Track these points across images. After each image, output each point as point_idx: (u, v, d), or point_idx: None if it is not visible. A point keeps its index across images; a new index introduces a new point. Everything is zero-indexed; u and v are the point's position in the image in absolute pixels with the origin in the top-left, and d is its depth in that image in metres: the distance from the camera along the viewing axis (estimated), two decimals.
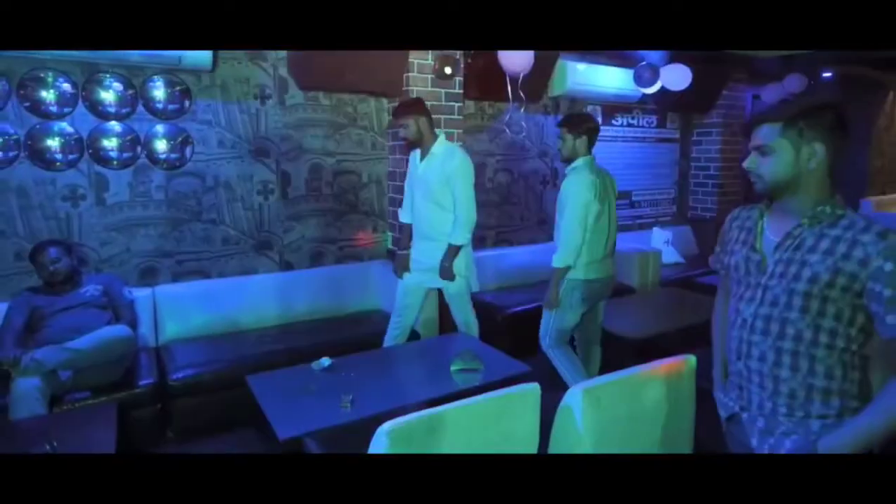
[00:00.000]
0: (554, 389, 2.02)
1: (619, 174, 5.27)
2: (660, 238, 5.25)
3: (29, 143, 2.82)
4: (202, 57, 2.98)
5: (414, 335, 3.47)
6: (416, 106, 2.86)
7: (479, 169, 4.32)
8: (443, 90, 3.66)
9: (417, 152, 2.99)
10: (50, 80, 2.82)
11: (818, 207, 1.26)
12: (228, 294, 3.37)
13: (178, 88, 3.14)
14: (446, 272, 2.89)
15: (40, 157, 2.86)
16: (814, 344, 1.25)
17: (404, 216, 3.17)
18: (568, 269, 2.77)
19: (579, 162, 2.82)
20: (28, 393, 2.27)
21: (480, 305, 4.03)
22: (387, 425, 1.48)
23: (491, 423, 1.69)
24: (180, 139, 3.19)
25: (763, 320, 1.32)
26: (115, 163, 3.04)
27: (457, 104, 3.74)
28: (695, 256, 5.50)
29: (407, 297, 3.08)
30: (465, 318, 3.15)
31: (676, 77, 4.36)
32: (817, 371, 1.26)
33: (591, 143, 2.84)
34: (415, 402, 2.38)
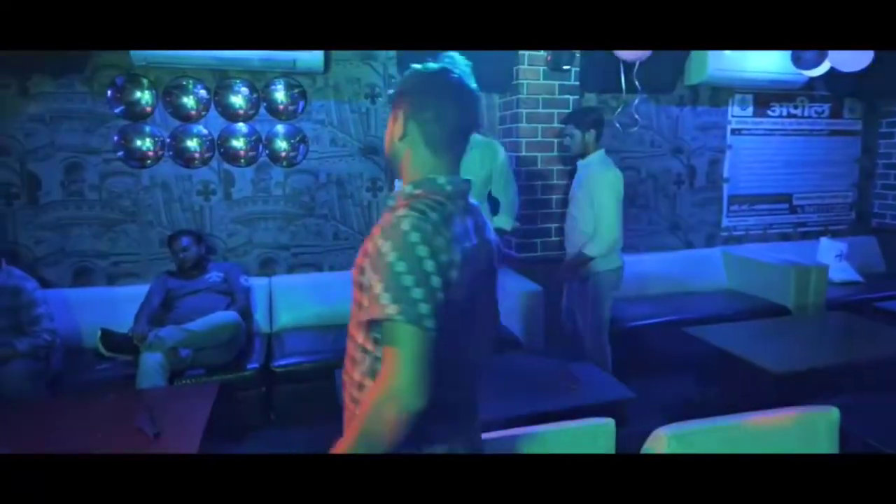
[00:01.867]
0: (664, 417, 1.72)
1: (776, 173, 4.54)
2: (829, 250, 4.37)
3: (172, 143, 3.19)
4: (315, 59, 3.12)
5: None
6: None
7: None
8: (556, 83, 3.42)
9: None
10: (190, 87, 3.16)
11: None
12: (338, 287, 3.49)
13: (295, 90, 3.33)
14: None
15: (181, 156, 3.22)
16: None
17: None
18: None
19: (597, 156, 2.84)
20: (151, 366, 2.53)
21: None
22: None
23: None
24: (297, 138, 3.39)
25: None
26: (241, 161, 3.32)
27: (572, 97, 3.48)
28: (878, 275, 4.49)
29: None
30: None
31: (851, 55, 3.58)
32: None
33: (599, 137, 2.84)
34: (490, 419, 2.21)
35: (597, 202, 2.73)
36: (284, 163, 3.39)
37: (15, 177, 2.98)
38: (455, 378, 1.00)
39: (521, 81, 3.38)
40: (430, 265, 0.90)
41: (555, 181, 3.54)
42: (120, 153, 3.11)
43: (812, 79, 4.06)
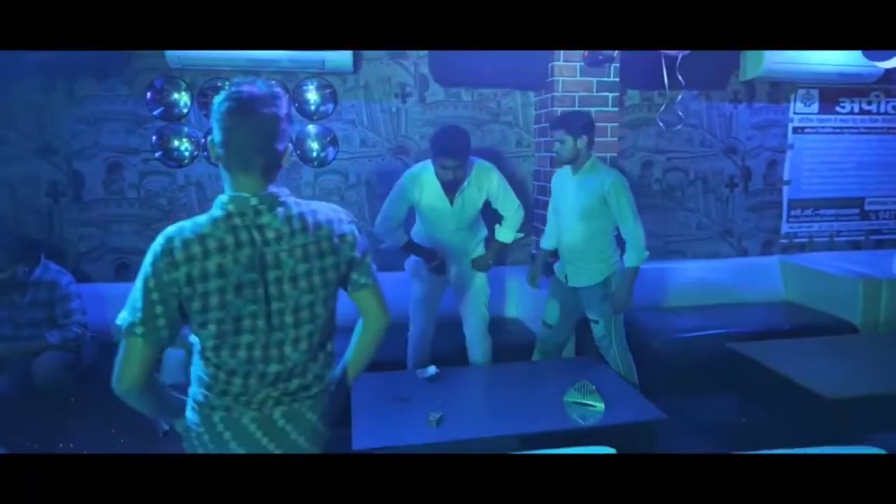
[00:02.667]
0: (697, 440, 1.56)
1: (846, 175, 4.15)
2: None
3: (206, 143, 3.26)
4: (344, 59, 3.10)
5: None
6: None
7: (646, 168, 3.78)
8: (594, 79, 3.25)
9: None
10: (224, 88, 3.21)
11: None
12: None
13: (327, 91, 3.33)
14: None
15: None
16: None
17: None
18: None
19: (591, 163, 2.63)
20: (174, 363, 2.57)
21: (632, 326, 3.50)
22: None
23: None
24: (328, 139, 3.39)
25: None
26: None
27: (611, 94, 3.29)
28: None
29: None
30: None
31: None
32: None
33: (591, 143, 2.63)
34: (508, 435, 2.10)
35: (620, 212, 2.58)
36: (315, 163, 3.40)
37: (62, 175, 3.14)
38: (244, 362, 1.19)
39: (556, 79, 3.23)
40: (151, 283, 1.11)
41: None
42: (158, 153, 3.21)
43: (888, 71, 3.66)
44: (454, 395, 2.42)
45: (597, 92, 3.27)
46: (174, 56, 2.93)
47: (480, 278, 2.82)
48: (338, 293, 1.30)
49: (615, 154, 3.38)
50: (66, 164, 3.13)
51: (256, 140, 1.15)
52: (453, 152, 2.40)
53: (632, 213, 2.59)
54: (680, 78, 2.77)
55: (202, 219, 1.16)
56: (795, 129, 4.02)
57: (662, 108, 3.53)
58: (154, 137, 3.18)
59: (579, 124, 2.55)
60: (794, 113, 4.00)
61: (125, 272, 3.27)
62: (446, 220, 2.64)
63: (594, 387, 2.28)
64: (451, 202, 2.56)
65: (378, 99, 3.41)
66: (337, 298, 1.30)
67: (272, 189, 1.19)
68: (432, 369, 2.54)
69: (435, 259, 2.66)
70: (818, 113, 4.03)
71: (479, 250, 2.83)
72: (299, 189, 3.41)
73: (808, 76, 3.77)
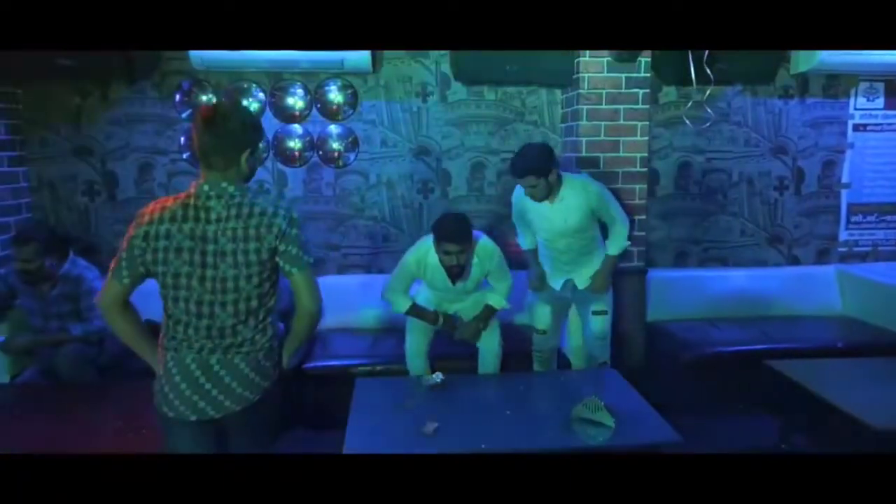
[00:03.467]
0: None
1: None
2: None
3: None
4: (362, 58, 3.07)
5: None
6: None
7: (683, 169, 3.55)
8: (623, 75, 3.07)
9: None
10: (249, 89, 3.27)
11: None
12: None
13: (349, 91, 3.32)
14: None
15: None
16: None
17: None
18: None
19: (566, 186, 2.59)
20: None
21: (663, 337, 3.29)
22: None
23: None
24: (350, 139, 3.38)
25: None
26: (297, 162, 3.38)
27: (641, 91, 3.10)
28: None
29: None
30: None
31: None
32: None
33: (558, 169, 2.59)
34: (506, 451, 1.99)
35: (608, 217, 2.66)
36: (338, 163, 3.39)
37: (97, 175, 3.29)
38: (183, 312, 1.50)
39: (581, 75, 3.07)
40: (132, 242, 1.48)
41: (619, 185, 3.18)
42: (186, 154, 3.30)
43: None
44: (457, 405, 2.33)
45: (626, 88, 3.09)
46: (198, 58, 2.99)
47: (491, 332, 2.74)
48: (271, 275, 1.54)
49: (645, 154, 3.18)
50: (101, 165, 3.28)
51: (215, 145, 1.48)
52: (457, 238, 2.41)
53: (619, 213, 2.68)
54: (709, 72, 2.57)
55: (171, 197, 1.53)
56: (856, 127, 3.66)
57: (689, 104, 3.30)
58: (182, 138, 3.28)
59: (545, 165, 2.48)
60: (855, 109, 3.64)
61: None
62: (451, 292, 2.67)
63: (603, 402, 2.13)
64: (454, 283, 2.57)
65: (399, 98, 3.37)
66: (268, 279, 1.53)
67: (224, 183, 1.49)
68: (437, 376, 2.47)
69: (437, 322, 2.69)
70: (884, 108, 3.65)
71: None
72: (320, 189, 3.42)
73: (871, 67, 3.42)
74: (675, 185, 3.61)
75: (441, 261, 2.48)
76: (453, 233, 2.42)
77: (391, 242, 3.50)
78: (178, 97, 3.24)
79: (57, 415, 2.19)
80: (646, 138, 3.17)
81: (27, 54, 2.70)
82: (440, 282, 2.58)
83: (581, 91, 3.09)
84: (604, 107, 3.11)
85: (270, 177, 3.39)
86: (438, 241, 2.45)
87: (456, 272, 2.49)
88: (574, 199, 2.56)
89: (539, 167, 2.47)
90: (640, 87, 3.10)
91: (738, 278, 3.64)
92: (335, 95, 3.32)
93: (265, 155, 3.32)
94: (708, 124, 3.36)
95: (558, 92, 3.43)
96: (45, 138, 3.23)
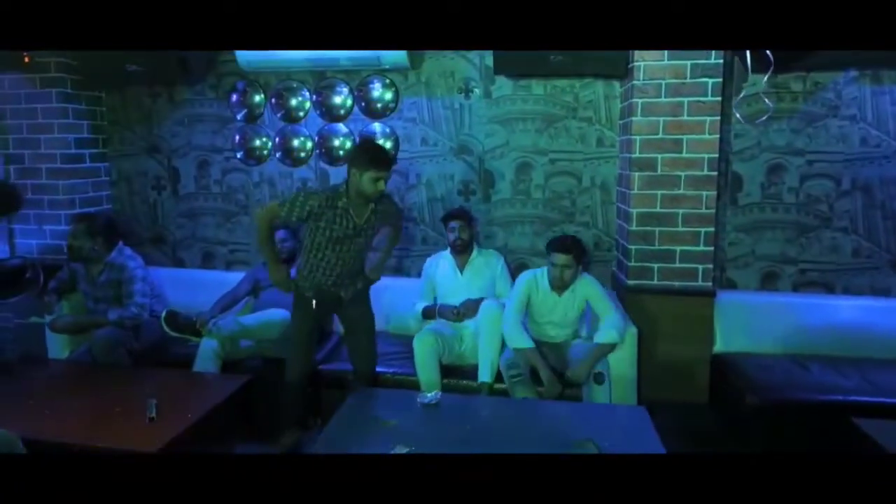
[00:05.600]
0: None
1: None
2: None
3: (281, 143, 3.40)
4: (399, 56, 2.97)
5: None
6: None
7: (774, 173, 2.99)
8: (688, 62, 2.63)
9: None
10: (295, 88, 3.32)
11: None
12: (411, 295, 3.29)
13: (391, 88, 3.23)
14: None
15: (288, 155, 3.41)
16: None
17: None
18: None
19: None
20: (205, 352, 2.72)
21: (732, 373, 2.76)
22: None
23: None
24: (388, 138, 3.29)
25: None
26: (339, 160, 3.36)
27: (711, 80, 2.63)
28: None
29: None
30: None
31: None
32: None
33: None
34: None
35: (602, 311, 2.63)
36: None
37: (163, 171, 3.55)
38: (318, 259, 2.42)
39: (637, 63, 2.68)
40: (298, 197, 2.36)
41: (682, 190, 2.74)
42: (239, 153, 3.43)
43: None
44: (443, 428, 2.13)
45: (691, 78, 2.64)
46: (243, 59, 3.09)
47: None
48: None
49: (715, 155, 2.70)
50: (167, 162, 3.53)
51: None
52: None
53: (612, 305, 2.65)
54: (769, 55, 2.08)
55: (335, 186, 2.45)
56: None
57: (741, 95, 2.73)
58: (237, 137, 3.42)
59: (581, 251, 2.64)
60: None
61: (210, 260, 3.59)
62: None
63: (597, 447, 1.80)
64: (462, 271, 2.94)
65: (440, 95, 3.20)
66: None
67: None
68: (435, 395, 2.28)
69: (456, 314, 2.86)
70: None
71: None
72: None
73: None
74: (764, 193, 3.03)
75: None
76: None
77: (429, 246, 3.35)
78: (234, 97, 3.39)
79: (78, 393, 2.37)
80: (716, 136, 2.68)
81: (109, 61, 3.01)
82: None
83: (636, 82, 2.70)
84: (663, 100, 2.68)
85: (314, 175, 3.41)
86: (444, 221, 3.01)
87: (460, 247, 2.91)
88: (581, 291, 2.66)
89: (581, 252, 2.64)
90: (710, 76, 2.63)
91: (845, 309, 2.95)
92: (377, 93, 3.25)
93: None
94: (764, 118, 2.76)
95: (617, 84, 3.04)
96: (123, 137, 3.55)
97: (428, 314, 2.95)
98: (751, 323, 2.99)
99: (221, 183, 3.50)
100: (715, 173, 2.73)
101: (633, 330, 2.58)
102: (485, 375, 2.59)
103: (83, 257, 2.85)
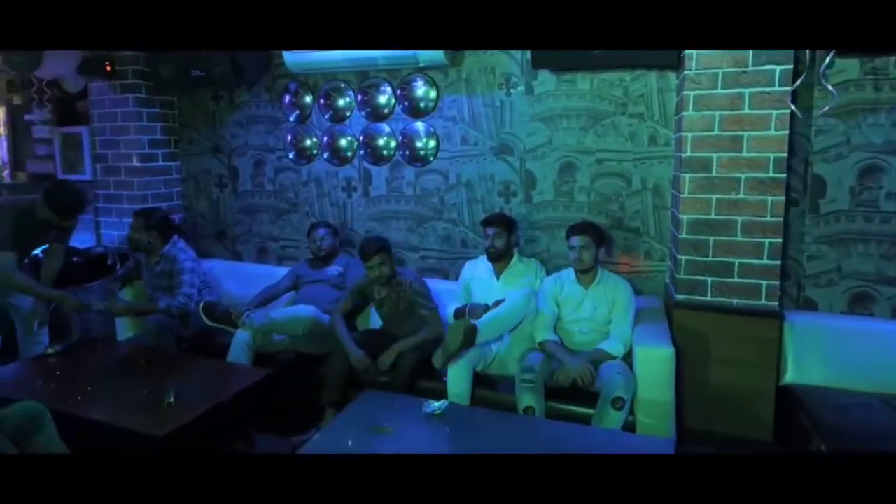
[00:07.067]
0: None
1: None
2: None
3: (328, 142, 3.46)
4: (435, 53, 2.89)
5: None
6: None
7: (866, 176, 2.56)
8: (750, 49, 2.28)
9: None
10: (343, 89, 3.36)
11: None
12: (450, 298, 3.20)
13: (430, 87, 3.16)
14: None
15: (335, 155, 3.46)
16: None
17: None
18: None
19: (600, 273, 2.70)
20: (238, 344, 2.83)
21: (802, 408, 2.37)
22: None
23: None
24: (431, 137, 3.22)
25: None
26: (382, 160, 3.36)
27: (779, 67, 2.27)
28: None
29: None
30: None
31: None
32: None
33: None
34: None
35: (625, 318, 2.56)
36: (431, 159, 3.24)
37: (225, 170, 3.76)
38: None
39: (689, 51, 2.38)
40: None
41: (740, 195, 2.39)
42: (291, 153, 3.55)
43: None
44: (440, 440, 2.02)
45: (753, 66, 2.29)
46: (290, 60, 3.18)
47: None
48: None
49: (783, 154, 2.32)
50: (228, 161, 3.74)
51: None
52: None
53: (631, 321, 2.56)
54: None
55: None
56: None
57: (799, 81, 2.27)
58: (289, 137, 3.53)
59: (599, 233, 2.66)
60: None
61: (264, 255, 3.75)
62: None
63: None
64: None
65: (480, 92, 3.07)
66: None
67: None
68: (441, 404, 2.18)
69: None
70: None
71: None
72: (401, 188, 3.34)
73: None
74: (854, 199, 2.56)
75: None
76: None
77: (469, 248, 3.24)
78: (286, 99, 3.50)
79: (118, 373, 2.57)
80: (784, 132, 2.31)
81: (176, 67, 3.27)
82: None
83: (687, 72, 2.39)
84: (719, 91, 2.36)
85: (357, 174, 3.43)
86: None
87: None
88: (607, 289, 2.60)
89: (600, 234, 2.66)
90: (778, 63, 2.26)
91: None
92: (420, 91, 3.20)
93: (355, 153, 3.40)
94: (826, 109, 2.30)
95: (672, 76, 2.73)
96: (191, 138, 3.82)
97: (458, 314, 2.85)
98: (832, 352, 2.55)
99: (274, 181, 3.64)
100: (783, 175, 2.35)
101: (669, 350, 2.29)
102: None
103: (141, 248, 3.09)
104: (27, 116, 4.02)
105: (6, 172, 4.20)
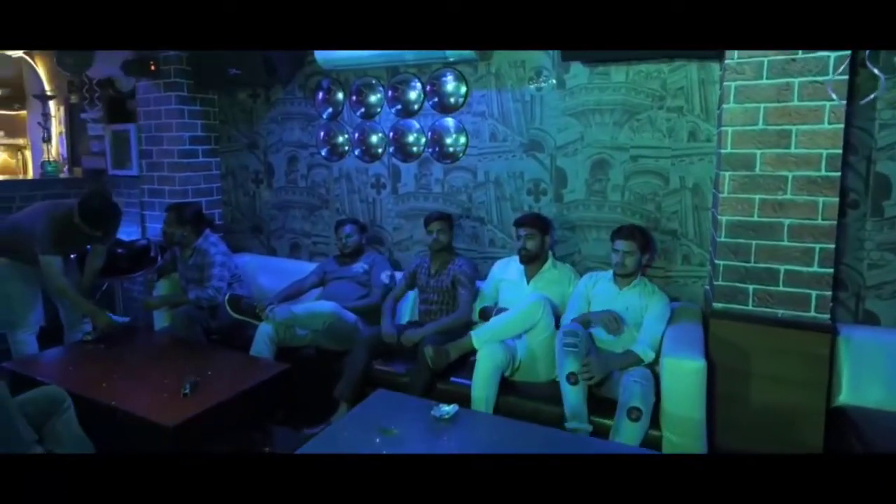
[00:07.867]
0: None
1: None
2: None
3: (359, 139, 3.45)
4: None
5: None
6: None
7: None
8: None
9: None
10: (374, 85, 3.34)
11: None
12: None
13: (460, 82, 3.08)
14: None
15: (366, 152, 3.45)
16: None
17: None
18: None
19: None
20: (261, 337, 2.85)
21: (858, 432, 2.15)
22: None
23: None
24: (459, 133, 3.14)
25: None
26: (411, 156, 3.31)
27: (833, 54, 2.04)
28: None
29: None
30: None
31: None
32: None
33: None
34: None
35: (658, 325, 2.42)
36: (460, 156, 3.17)
37: (261, 166, 3.82)
38: None
39: None
40: None
41: (788, 195, 2.18)
42: (324, 150, 3.56)
43: None
44: (445, 444, 1.95)
45: (803, 52, 2.08)
46: (321, 57, 3.18)
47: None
48: None
49: (838, 151, 2.09)
50: (264, 157, 3.80)
51: None
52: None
53: (663, 329, 2.41)
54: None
55: None
56: None
57: (840, 67, 2.00)
58: (321, 133, 3.55)
59: (647, 240, 2.55)
60: None
61: (297, 250, 3.79)
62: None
63: None
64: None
65: (510, 87, 2.97)
66: None
67: None
68: (451, 408, 2.10)
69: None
70: None
71: None
72: (430, 185, 3.28)
73: None
74: None
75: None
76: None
77: (497, 248, 3.14)
78: (319, 96, 3.52)
79: (146, 361, 2.65)
80: (838, 126, 2.08)
81: (215, 65, 3.35)
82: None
83: (728, 61, 2.20)
84: (764, 82, 2.15)
85: (386, 171, 3.40)
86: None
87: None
88: (647, 297, 2.50)
89: (647, 241, 2.54)
90: (832, 50, 2.04)
91: None
92: (450, 86, 3.12)
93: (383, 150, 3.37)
94: (871, 97, 2.02)
95: (716, 66, 2.53)
96: (230, 135, 3.91)
97: (484, 314, 2.76)
98: (894, 371, 2.29)
99: (307, 177, 3.67)
100: (838, 174, 2.12)
101: (699, 363, 2.11)
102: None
103: (175, 242, 3.18)
104: (82, 115, 4.26)
105: (65, 168, 4.45)
